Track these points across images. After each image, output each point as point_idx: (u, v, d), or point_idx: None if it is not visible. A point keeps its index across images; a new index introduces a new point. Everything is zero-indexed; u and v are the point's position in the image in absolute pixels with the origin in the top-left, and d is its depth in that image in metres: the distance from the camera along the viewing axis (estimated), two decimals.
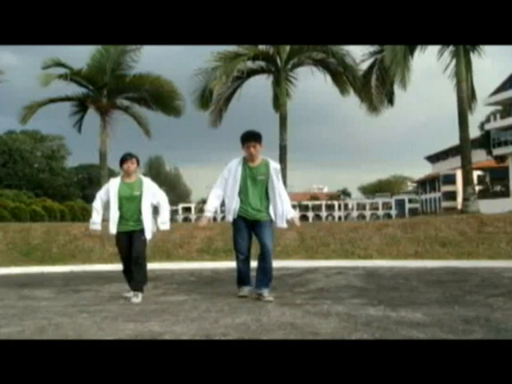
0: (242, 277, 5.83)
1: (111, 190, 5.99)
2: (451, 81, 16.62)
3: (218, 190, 5.77)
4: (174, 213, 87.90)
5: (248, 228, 5.71)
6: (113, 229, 5.94)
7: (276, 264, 9.26)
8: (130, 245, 5.95)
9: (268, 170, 5.67)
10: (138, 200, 5.99)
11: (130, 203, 5.97)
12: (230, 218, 5.72)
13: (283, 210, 5.71)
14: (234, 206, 5.66)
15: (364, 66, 17.75)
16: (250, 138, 5.62)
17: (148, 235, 5.98)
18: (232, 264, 6.20)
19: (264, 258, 5.61)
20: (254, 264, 5.69)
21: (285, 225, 5.81)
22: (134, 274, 5.84)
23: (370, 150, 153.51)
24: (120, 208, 5.95)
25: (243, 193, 5.67)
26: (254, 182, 5.66)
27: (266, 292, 5.54)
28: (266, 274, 5.62)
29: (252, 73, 18.53)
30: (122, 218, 5.96)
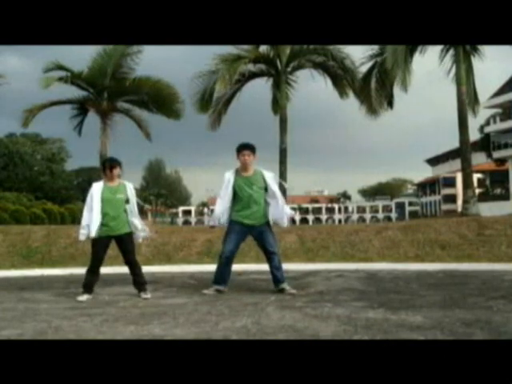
0: (217, 276, 6.22)
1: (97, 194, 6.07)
2: (452, 84, 16.60)
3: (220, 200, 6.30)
4: (174, 216, 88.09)
5: (242, 233, 6.19)
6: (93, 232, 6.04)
7: None
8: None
9: (264, 178, 6.19)
10: (121, 203, 6.15)
11: (112, 206, 6.09)
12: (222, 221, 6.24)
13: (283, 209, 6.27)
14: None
15: (363, 68, 17.76)
16: (245, 148, 6.14)
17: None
18: (232, 267, 6.23)
19: None
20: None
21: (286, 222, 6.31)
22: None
23: (370, 152, 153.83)
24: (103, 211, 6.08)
25: (241, 200, 6.11)
26: (251, 189, 6.11)
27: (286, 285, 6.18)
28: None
29: (252, 76, 18.54)
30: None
